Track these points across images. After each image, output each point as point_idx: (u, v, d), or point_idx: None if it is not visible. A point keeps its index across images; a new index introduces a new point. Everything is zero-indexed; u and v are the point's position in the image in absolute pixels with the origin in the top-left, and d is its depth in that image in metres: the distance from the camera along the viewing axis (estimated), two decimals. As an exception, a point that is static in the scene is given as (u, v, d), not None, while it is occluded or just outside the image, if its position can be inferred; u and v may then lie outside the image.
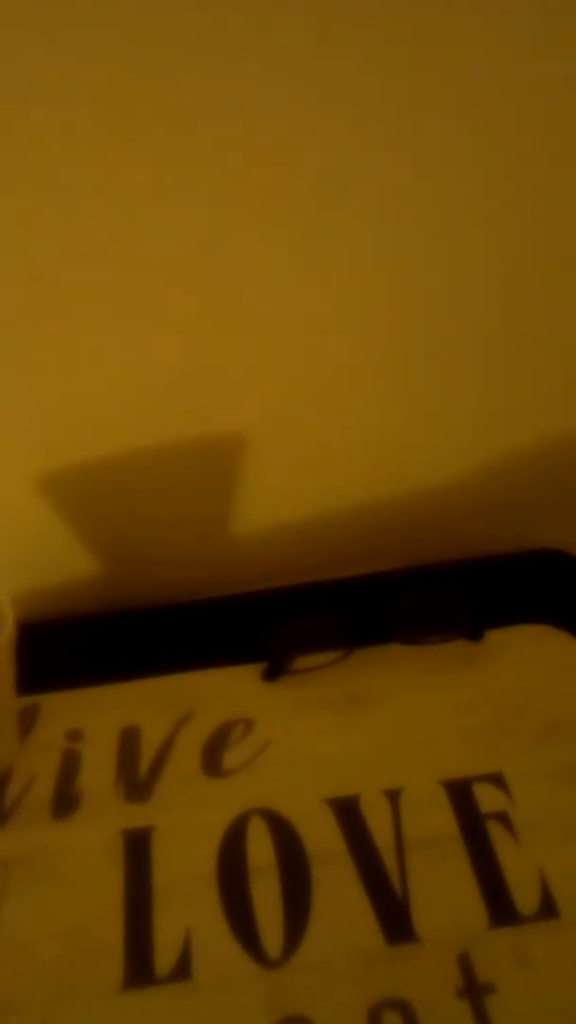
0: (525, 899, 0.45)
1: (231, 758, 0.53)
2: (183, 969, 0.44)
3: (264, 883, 0.47)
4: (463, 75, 0.47)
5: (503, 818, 0.49)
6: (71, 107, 0.45)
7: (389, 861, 0.47)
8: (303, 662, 0.58)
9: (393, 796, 0.50)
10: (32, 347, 0.53)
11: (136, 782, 0.52)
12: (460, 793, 0.50)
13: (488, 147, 0.49)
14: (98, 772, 0.52)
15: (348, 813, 0.49)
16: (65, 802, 0.51)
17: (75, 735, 0.55)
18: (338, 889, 0.46)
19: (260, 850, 0.48)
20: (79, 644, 0.60)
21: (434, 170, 0.50)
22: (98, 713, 0.55)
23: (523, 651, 0.58)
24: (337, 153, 0.48)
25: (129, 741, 0.54)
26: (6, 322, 0.51)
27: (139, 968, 0.44)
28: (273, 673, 0.57)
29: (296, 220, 0.50)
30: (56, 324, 0.52)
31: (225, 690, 0.57)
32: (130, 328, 0.53)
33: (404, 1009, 0.41)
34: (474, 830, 0.48)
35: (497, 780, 0.50)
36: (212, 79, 0.45)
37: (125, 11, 0.43)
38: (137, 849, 0.48)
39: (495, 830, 0.48)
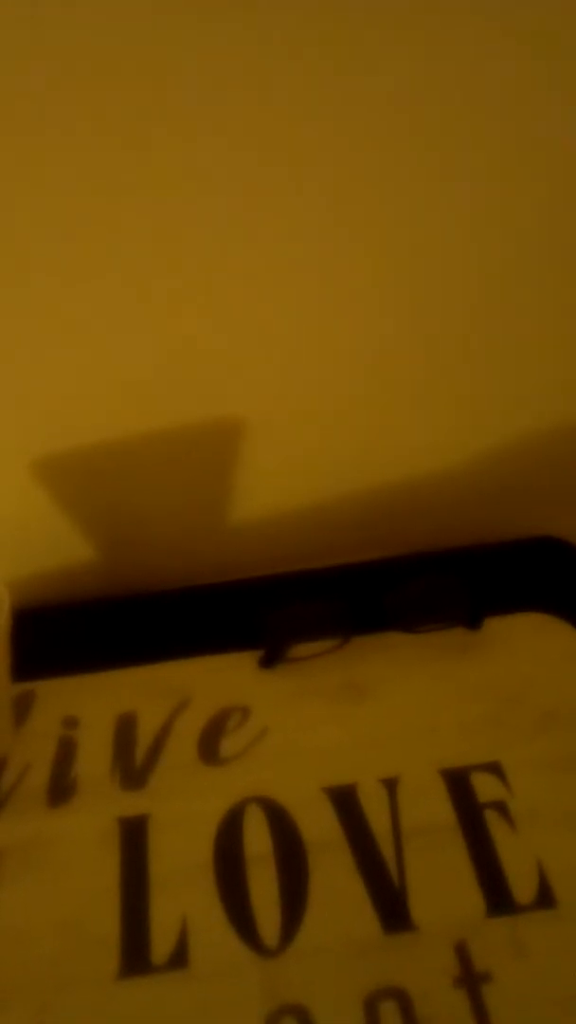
0: (522, 888, 0.45)
1: (228, 746, 0.53)
2: (180, 958, 0.43)
3: (261, 872, 0.46)
4: (463, 78, 0.47)
5: (501, 807, 0.48)
6: (75, 99, 0.44)
7: (386, 850, 0.47)
8: (300, 650, 0.57)
9: (391, 785, 0.50)
10: (30, 333, 0.52)
11: (132, 770, 0.52)
12: (458, 782, 0.50)
13: (488, 139, 0.49)
14: (94, 760, 0.52)
15: (345, 802, 0.49)
16: (61, 790, 0.51)
17: (71, 722, 0.54)
18: (335, 878, 0.46)
19: (257, 839, 0.48)
20: (75, 630, 0.60)
21: (433, 162, 0.49)
22: (94, 700, 0.55)
23: (522, 640, 0.58)
24: (337, 149, 0.48)
25: (125, 728, 0.54)
26: (3, 308, 0.51)
27: (135, 957, 0.44)
28: (270, 661, 0.57)
29: (298, 208, 0.50)
30: (54, 310, 0.51)
31: (222, 677, 0.56)
32: (129, 314, 0.52)
33: (400, 998, 0.41)
34: (472, 819, 0.48)
35: (495, 769, 0.50)
36: (216, 72, 0.45)
37: (128, 18, 0.42)
38: (133, 837, 0.48)
39: (493, 819, 0.48)
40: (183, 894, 0.46)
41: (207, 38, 0.43)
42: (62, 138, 0.45)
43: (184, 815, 0.49)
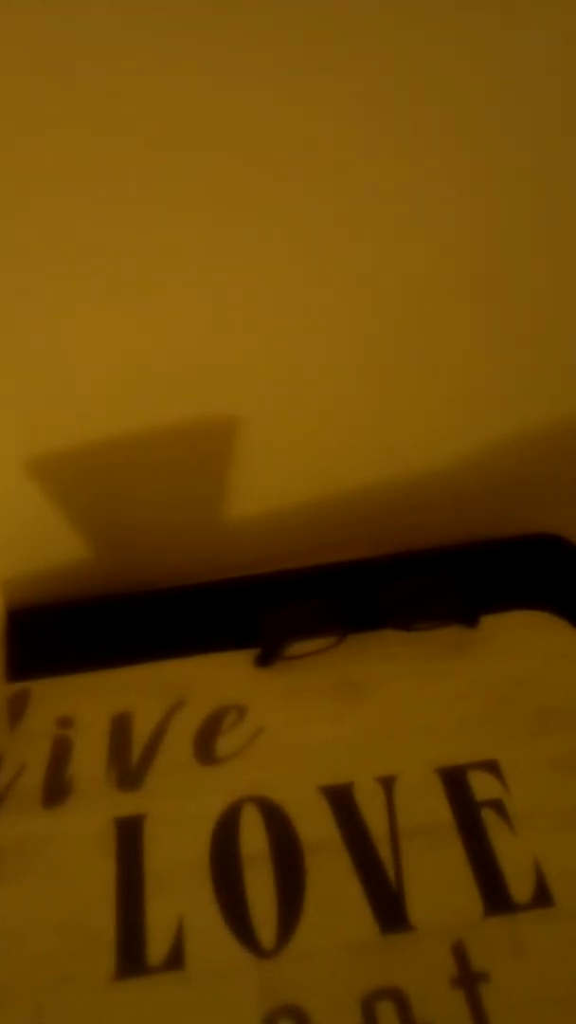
0: (520, 888, 0.45)
1: (224, 745, 0.52)
2: (176, 959, 0.43)
3: (257, 872, 0.46)
4: (461, 68, 0.46)
5: (498, 806, 0.48)
6: (81, 95, 0.44)
7: (383, 850, 0.47)
8: (296, 648, 0.57)
9: (387, 784, 0.50)
10: (25, 329, 0.52)
11: (128, 770, 0.51)
12: (455, 781, 0.50)
13: (484, 130, 0.49)
14: (89, 759, 0.52)
15: (342, 801, 0.49)
16: (56, 790, 0.50)
17: (66, 722, 0.54)
18: (332, 878, 0.46)
19: (253, 839, 0.48)
20: (70, 629, 0.59)
21: (429, 155, 0.49)
22: (89, 699, 0.55)
23: (519, 637, 0.57)
24: (330, 144, 0.48)
25: (121, 728, 0.54)
26: (0, 306, 0.50)
27: (132, 957, 0.43)
28: (266, 659, 0.57)
29: (291, 203, 0.49)
30: (49, 306, 0.51)
31: (217, 676, 0.56)
32: (124, 311, 0.52)
33: (398, 998, 0.41)
34: (469, 818, 0.48)
35: (492, 768, 0.50)
36: (217, 71, 0.45)
37: (123, 27, 0.43)
38: (129, 837, 0.48)
39: (490, 818, 0.48)
40: (179, 894, 0.46)
41: (209, 42, 0.43)
42: (61, 137, 0.45)
43: (180, 815, 0.49)
